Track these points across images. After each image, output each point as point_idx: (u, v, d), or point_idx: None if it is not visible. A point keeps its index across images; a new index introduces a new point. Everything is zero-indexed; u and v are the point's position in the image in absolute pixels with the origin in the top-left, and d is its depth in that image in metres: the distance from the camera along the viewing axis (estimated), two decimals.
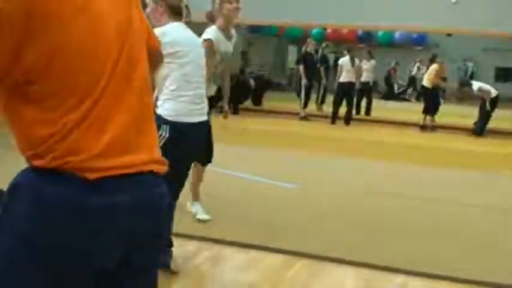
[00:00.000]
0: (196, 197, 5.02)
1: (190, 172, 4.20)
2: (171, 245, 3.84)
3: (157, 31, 3.41)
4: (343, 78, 13.24)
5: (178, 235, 4.05)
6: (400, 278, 3.98)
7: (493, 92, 12.60)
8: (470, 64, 23.57)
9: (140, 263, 1.57)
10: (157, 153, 1.60)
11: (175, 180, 3.80)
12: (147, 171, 1.53)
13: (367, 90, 14.95)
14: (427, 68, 14.64)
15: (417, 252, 4.46)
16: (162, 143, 3.43)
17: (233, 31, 4.88)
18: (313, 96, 15.20)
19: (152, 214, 1.55)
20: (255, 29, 19.22)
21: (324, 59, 15.40)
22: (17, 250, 1.41)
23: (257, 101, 15.85)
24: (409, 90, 21.93)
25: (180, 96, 3.55)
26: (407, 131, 12.78)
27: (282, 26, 18.02)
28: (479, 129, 12.59)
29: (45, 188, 1.40)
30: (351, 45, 15.53)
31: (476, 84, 12.93)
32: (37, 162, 1.41)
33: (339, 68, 13.53)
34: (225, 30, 4.72)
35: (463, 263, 4.28)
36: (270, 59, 23.41)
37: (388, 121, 13.80)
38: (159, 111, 3.52)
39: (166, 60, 3.39)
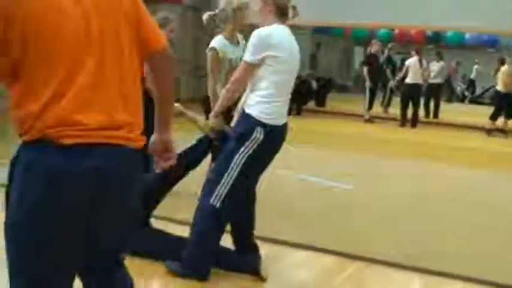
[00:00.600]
0: None
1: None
2: (256, 247, 3.87)
3: (263, 30, 3.47)
4: (410, 79, 13.03)
5: None
6: (458, 285, 3.88)
7: None
8: None
9: (109, 221, 1.89)
10: (135, 130, 1.87)
11: (254, 179, 3.80)
12: (120, 144, 1.81)
13: (434, 92, 14.65)
14: (496, 71, 14.19)
15: (476, 259, 4.33)
16: (255, 145, 3.47)
17: (239, 37, 5.02)
18: (380, 98, 15.04)
19: (116, 179, 1.83)
20: (321, 30, 19.11)
21: (390, 60, 15.18)
22: (19, 211, 1.75)
23: (320, 103, 15.77)
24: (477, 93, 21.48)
25: (274, 101, 3.51)
26: (474, 135, 12.44)
27: (348, 27, 17.84)
28: None
29: (31, 157, 1.73)
30: (419, 46, 15.21)
31: None
32: (24, 138, 1.75)
33: (404, 69, 13.34)
34: (230, 38, 4.91)
35: None
36: (336, 60, 23.26)
37: (456, 124, 13.49)
38: (250, 111, 3.50)
39: (266, 62, 3.45)
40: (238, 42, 4.97)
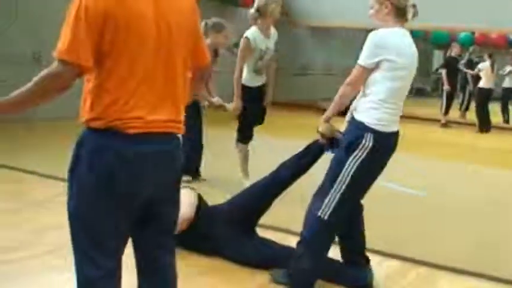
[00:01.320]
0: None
1: None
2: (368, 261, 3.80)
3: (378, 33, 3.30)
4: (482, 84, 12.82)
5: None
6: None
7: None
8: None
9: (161, 199, 2.22)
10: (180, 124, 2.21)
11: (363, 190, 3.59)
12: (169, 132, 2.16)
13: (506, 96, 14.28)
14: None
15: None
16: (365, 154, 3.30)
17: (273, 30, 5.58)
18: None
19: (168, 160, 2.19)
20: None
21: (470, 64, 14.88)
22: (86, 183, 2.07)
23: None
24: None
25: (385, 107, 3.32)
26: None
27: (427, 29, 17.57)
28: None
29: (101, 141, 2.05)
30: (499, 49, 14.89)
31: None
32: (94, 124, 2.04)
33: (476, 71, 13.26)
34: (263, 30, 5.50)
35: None
36: None
37: None
38: (359, 117, 3.35)
39: (382, 67, 3.27)
40: (269, 35, 5.60)
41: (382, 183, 6.56)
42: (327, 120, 3.53)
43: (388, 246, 4.45)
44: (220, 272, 3.86)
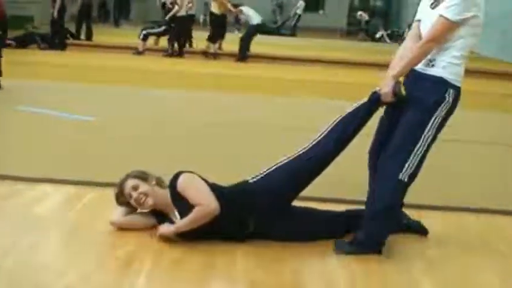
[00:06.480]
0: None
1: None
2: None
3: None
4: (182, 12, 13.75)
5: None
6: None
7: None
8: None
9: None
10: None
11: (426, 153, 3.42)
12: None
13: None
14: None
15: None
16: (445, 110, 3.30)
17: None
18: None
19: None
20: None
21: None
22: None
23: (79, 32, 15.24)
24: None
25: (464, 64, 3.36)
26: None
27: None
28: None
29: None
30: None
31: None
32: None
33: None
34: None
35: None
36: None
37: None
38: (441, 73, 3.32)
39: (469, 23, 3.23)
40: None
41: (47, 112, 6.43)
42: (397, 78, 3.39)
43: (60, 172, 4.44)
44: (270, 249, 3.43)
